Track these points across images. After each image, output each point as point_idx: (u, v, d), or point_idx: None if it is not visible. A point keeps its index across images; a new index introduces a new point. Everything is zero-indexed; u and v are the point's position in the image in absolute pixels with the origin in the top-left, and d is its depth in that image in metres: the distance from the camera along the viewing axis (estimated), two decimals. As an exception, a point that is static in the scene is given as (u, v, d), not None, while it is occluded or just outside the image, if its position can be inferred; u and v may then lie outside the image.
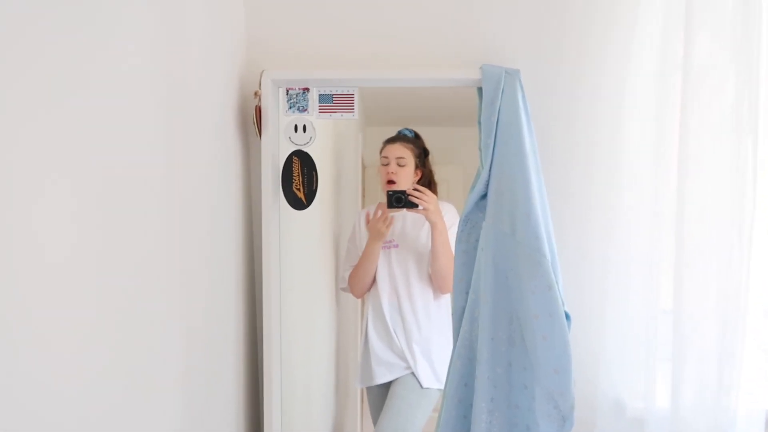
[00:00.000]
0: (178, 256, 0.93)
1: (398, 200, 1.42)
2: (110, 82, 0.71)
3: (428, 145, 1.61)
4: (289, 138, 1.29)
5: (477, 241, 1.27)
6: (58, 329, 0.60)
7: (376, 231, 1.53)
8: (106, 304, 0.70)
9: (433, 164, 1.69)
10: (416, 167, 1.66)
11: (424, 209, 1.43)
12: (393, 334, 1.60)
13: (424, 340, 1.58)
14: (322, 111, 1.28)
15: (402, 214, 1.58)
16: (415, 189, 1.45)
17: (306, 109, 1.28)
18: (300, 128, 1.29)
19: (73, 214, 0.63)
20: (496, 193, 1.22)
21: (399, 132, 1.61)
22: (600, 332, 1.35)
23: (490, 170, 1.23)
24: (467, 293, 1.28)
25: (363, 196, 1.71)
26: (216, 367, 1.13)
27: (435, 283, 1.55)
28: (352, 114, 1.30)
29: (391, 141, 1.61)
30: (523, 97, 1.24)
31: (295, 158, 1.28)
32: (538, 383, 1.16)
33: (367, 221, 1.59)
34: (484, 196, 1.26)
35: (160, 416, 0.86)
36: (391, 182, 1.65)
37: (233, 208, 1.24)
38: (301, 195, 1.29)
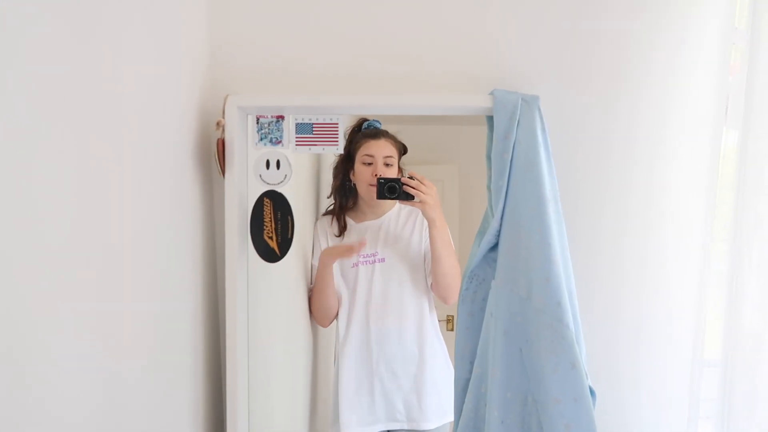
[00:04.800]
0: (125, 316, 0.81)
1: (391, 190, 1.20)
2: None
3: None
4: (260, 176, 1.08)
5: (484, 301, 1.06)
6: None
7: (335, 253, 1.32)
8: None
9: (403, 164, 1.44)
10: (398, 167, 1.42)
11: (421, 202, 1.20)
12: (377, 378, 1.38)
13: (422, 378, 1.36)
14: (299, 144, 1.07)
15: (384, 220, 1.36)
16: (410, 177, 1.22)
17: (280, 142, 1.07)
18: (273, 164, 1.07)
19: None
20: (509, 248, 1.01)
21: (369, 125, 1.36)
22: (632, 401, 1.18)
23: (501, 218, 1.03)
24: (472, 363, 1.08)
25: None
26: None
27: (439, 292, 1.31)
28: (336, 147, 1.09)
29: (373, 137, 1.36)
30: (543, 129, 1.03)
31: (266, 200, 1.07)
32: (560, 481, 0.96)
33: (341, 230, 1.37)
34: (494, 247, 1.05)
35: None
36: (374, 186, 1.41)
37: (191, 261, 1.03)
38: (273, 244, 1.08)
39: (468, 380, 1.08)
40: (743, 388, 1.11)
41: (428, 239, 1.29)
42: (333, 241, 1.38)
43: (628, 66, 1.06)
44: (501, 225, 1.03)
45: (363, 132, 1.37)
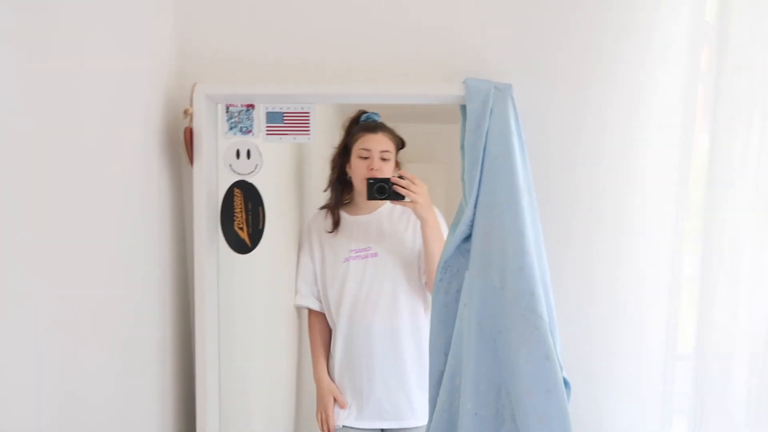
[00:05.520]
0: (87, 307, 0.78)
1: (381, 191, 1.19)
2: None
3: (409, 141, 1.36)
4: (230, 166, 1.05)
5: (458, 292, 1.05)
6: None
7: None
8: None
9: (403, 158, 1.41)
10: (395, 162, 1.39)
11: (412, 201, 1.19)
12: (365, 377, 1.36)
13: (411, 376, 1.32)
14: (270, 133, 1.05)
15: (378, 215, 1.33)
16: (400, 176, 1.20)
17: (251, 131, 1.05)
18: (243, 154, 1.05)
19: None
20: (483, 237, 1.00)
21: (367, 117, 1.33)
22: (606, 393, 1.17)
23: (475, 208, 1.01)
24: (446, 355, 1.06)
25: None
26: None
27: (431, 290, 1.28)
28: (307, 137, 1.07)
29: (370, 130, 1.34)
30: (516, 118, 1.02)
31: (237, 190, 1.05)
32: (533, 474, 0.95)
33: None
34: (468, 237, 1.04)
35: None
36: None
37: (160, 252, 1.01)
38: (244, 235, 1.06)
39: (443, 372, 1.06)
40: (716, 383, 1.11)
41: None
42: (324, 239, 1.36)
43: (599, 56, 1.05)
44: (474, 215, 1.02)
45: (361, 125, 1.34)
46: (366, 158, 1.31)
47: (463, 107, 1.05)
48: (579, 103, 1.07)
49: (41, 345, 0.68)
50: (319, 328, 1.37)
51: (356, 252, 1.34)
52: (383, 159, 1.31)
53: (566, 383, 0.99)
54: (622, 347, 1.15)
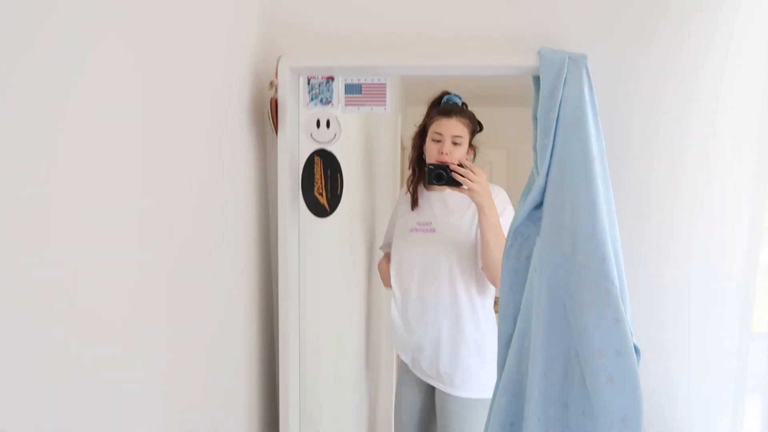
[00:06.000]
0: (180, 276, 0.81)
1: (439, 177, 1.22)
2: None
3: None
4: (311, 135, 1.11)
5: (528, 259, 1.08)
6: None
7: None
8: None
9: (478, 142, 1.46)
10: (469, 146, 1.44)
11: (469, 189, 1.23)
12: (416, 345, 1.43)
13: (459, 344, 1.40)
14: (348, 104, 1.10)
15: (444, 194, 1.38)
16: (460, 164, 1.24)
17: (330, 102, 1.10)
18: (323, 123, 1.11)
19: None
20: (554, 204, 1.02)
21: (448, 99, 1.39)
22: (678, 365, 1.17)
23: (547, 176, 1.04)
24: (515, 319, 1.09)
25: (402, 180, 1.53)
26: (228, 398, 0.98)
27: (487, 275, 1.35)
28: (383, 107, 1.11)
29: (445, 114, 1.40)
30: (591, 88, 1.03)
31: (317, 158, 1.11)
32: (601, 433, 0.98)
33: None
34: (539, 205, 1.06)
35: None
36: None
37: (245, 216, 1.08)
38: (323, 201, 1.12)
39: (511, 336, 1.10)
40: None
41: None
42: (406, 217, 1.44)
43: (683, 21, 1.04)
44: (546, 183, 1.04)
45: (439, 108, 1.40)
46: (438, 141, 1.37)
47: (536, 78, 1.07)
48: (659, 73, 1.06)
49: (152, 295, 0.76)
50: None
51: (420, 225, 1.41)
52: (455, 143, 1.36)
53: (636, 350, 1.01)
54: (694, 322, 1.15)
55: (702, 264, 1.13)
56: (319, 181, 1.11)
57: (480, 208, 1.25)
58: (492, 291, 1.40)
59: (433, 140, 1.37)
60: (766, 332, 1.13)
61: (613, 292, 0.97)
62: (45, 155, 0.53)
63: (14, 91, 0.48)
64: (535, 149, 1.08)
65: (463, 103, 1.39)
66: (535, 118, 1.07)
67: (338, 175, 1.11)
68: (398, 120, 1.52)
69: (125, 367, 0.68)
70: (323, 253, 1.39)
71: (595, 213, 0.98)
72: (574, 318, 1.01)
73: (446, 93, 1.37)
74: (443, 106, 1.39)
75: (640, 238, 1.11)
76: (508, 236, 1.10)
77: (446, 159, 1.35)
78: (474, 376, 1.40)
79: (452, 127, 1.36)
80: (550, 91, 1.03)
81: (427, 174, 1.24)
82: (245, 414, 1.09)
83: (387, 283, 1.46)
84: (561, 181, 1.02)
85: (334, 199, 1.12)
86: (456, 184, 1.22)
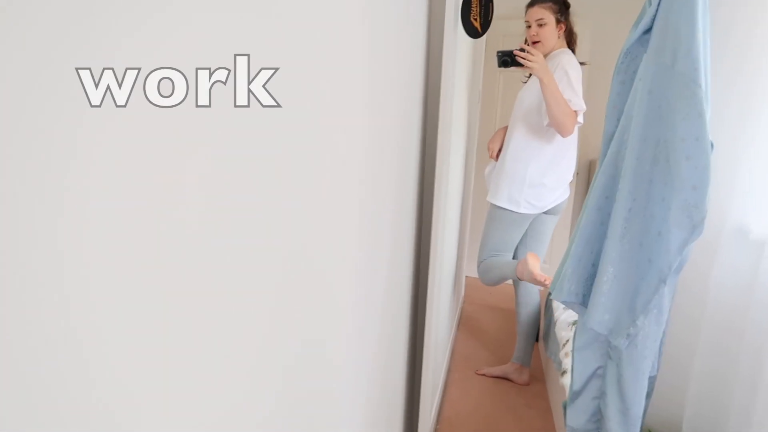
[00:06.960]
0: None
1: (505, 62, 1.65)
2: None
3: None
4: (471, -30, 1.44)
5: (634, 73, 1.41)
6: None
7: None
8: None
9: (573, 14, 1.85)
10: (558, 22, 1.82)
11: (529, 67, 1.67)
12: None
13: (503, 167, 2.02)
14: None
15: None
16: (521, 49, 1.67)
17: (488, -57, 1.42)
18: (482, -40, 1.43)
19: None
20: (661, 27, 1.33)
21: None
22: (735, 163, 1.50)
23: (658, 6, 1.34)
24: (618, 120, 1.45)
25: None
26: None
27: (556, 129, 1.81)
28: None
29: (530, 5, 1.85)
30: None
31: (474, -10, 1.44)
32: (676, 196, 1.35)
33: None
34: (648, 30, 1.38)
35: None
36: (536, 42, 1.84)
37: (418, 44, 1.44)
38: (477, 24, 1.47)
39: (613, 133, 1.46)
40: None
41: None
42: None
43: None
44: (657, 11, 1.35)
45: (528, 2, 1.87)
46: (529, 27, 1.86)
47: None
48: None
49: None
50: None
51: (526, 77, 1.92)
52: (540, 25, 1.83)
53: (711, 145, 1.35)
54: (752, 129, 1.48)
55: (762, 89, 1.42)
56: (475, 8, 1.45)
57: (540, 81, 1.69)
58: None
59: (527, 27, 1.86)
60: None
61: (699, 93, 1.30)
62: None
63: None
64: (648, -17, 1.37)
65: None
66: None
67: (490, 4, 1.45)
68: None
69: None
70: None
71: (693, 33, 1.29)
72: (666, 114, 1.35)
73: None
74: (530, 1, 1.85)
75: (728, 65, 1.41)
76: (620, 55, 1.42)
77: (536, 38, 1.84)
78: (507, 189, 2.00)
79: (533, 13, 1.83)
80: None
81: (497, 59, 1.68)
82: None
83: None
84: (669, 9, 1.32)
85: (486, 23, 1.46)
86: (519, 65, 1.67)
